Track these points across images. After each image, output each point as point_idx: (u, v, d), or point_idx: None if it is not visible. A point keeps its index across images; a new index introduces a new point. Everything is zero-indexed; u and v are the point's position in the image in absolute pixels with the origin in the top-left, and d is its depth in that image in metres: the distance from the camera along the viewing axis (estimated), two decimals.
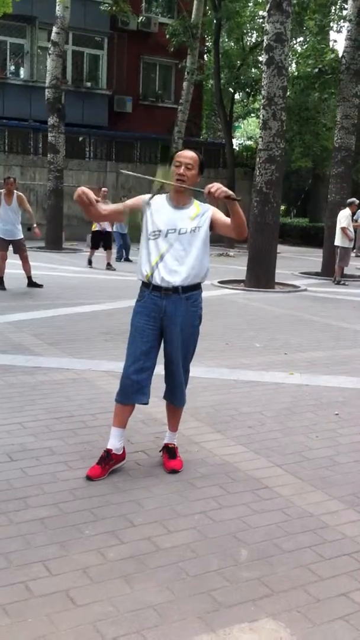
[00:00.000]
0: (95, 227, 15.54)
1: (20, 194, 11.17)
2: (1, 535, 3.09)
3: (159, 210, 3.80)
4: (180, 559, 2.97)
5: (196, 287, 3.86)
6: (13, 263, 11.32)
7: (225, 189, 3.55)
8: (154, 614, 2.55)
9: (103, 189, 16.18)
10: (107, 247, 15.64)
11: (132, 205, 3.88)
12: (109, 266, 15.35)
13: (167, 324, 3.81)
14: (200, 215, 3.79)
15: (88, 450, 4.17)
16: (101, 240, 15.60)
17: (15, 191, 11.00)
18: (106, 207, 3.95)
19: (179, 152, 3.84)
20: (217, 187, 3.53)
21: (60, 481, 3.72)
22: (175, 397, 4.00)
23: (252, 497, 3.64)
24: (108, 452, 3.86)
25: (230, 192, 3.54)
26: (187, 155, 3.77)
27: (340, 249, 14.51)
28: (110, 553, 2.99)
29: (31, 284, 11.39)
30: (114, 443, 3.87)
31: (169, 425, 4.13)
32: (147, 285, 3.83)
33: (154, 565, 2.90)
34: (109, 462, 3.83)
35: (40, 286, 11.38)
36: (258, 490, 3.72)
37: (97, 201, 3.69)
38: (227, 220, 3.76)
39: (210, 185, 3.54)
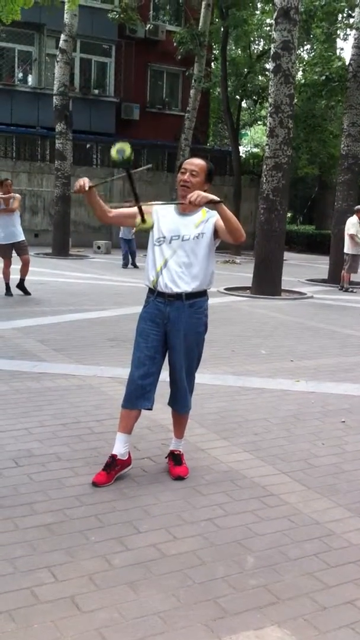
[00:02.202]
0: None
1: (16, 194, 11.06)
2: (7, 541, 3.09)
3: (165, 217, 3.81)
4: (186, 566, 2.96)
5: (201, 294, 3.86)
6: (17, 269, 11.31)
7: (204, 195, 3.47)
8: (160, 621, 2.55)
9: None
10: None
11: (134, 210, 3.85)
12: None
13: (170, 330, 3.81)
14: (205, 221, 3.79)
15: (94, 456, 4.17)
16: None
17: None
18: (114, 210, 3.95)
19: (187, 160, 3.84)
20: (196, 195, 3.47)
21: (66, 487, 3.72)
22: (178, 403, 4.00)
23: (258, 504, 3.63)
24: (113, 457, 3.86)
25: (211, 197, 3.48)
26: (194, 162, 3.78)
27: (350, 257, 14.48)
28: (116, 559, 2.99)
29: (21, 286, 11.16)
30: (118, 448, 3.88)
31: (175, 432, 4.13)
32: (153, 292, 3.84)
33: (159, 572, 2.90)
34: (114, 468, 3.83)
35: (28, 294, 11.17)
36: (264, 498, 3.72)
37: (90, 188, 3.65)
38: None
39: (189, 196, 3.50)
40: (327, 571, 2.98)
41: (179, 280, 3.75)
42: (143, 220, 3.60)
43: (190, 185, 3.70)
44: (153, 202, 3.91)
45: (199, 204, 3.50)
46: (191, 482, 3.89)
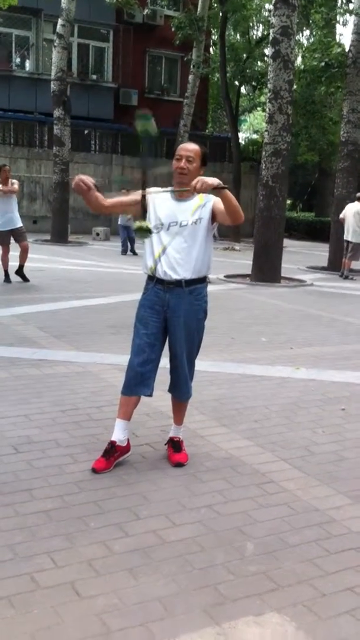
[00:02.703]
0: None
1: (14, 180, 10.96)
2: (7, 527, 3.09)
3: (161, 204, 3.78)
4: (186, 552, 2.96)
5: (200, 281, 3.84)
6: (16, 256, 11.27)
7: (210, 181, 3.41)
8: (159, 607, 2.55)
9: None
10: None
11: (136, 197, 3.78)
12: None
13: (170, 317, 3.80)
14: (202, 206, 3.75)
15: (93, 442, 4.17)
16: None
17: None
18: (110, 199, 3.90)
19: (181, 145, 3.80)
20: (201, 182, 3.41)
21: (66, 473, 3.72)
22: (179, 390, 3.99)
23: (258, 491, 3.64)
24: (112, 444, 3.85)
25: (216, 182, 3.43)
26: (189, 148, 3.74)
27: (353, 244, 14.43)
28: (116, 545, 2.99)
29: (20, 273, 11.10)
30: (117, 435, 3.87)
31: (174, 418, 4.13)
32: (152, 279, 3.82)
33: (159, 558, 2.90)
34: (113, 454, 3.83)
35: (27, 280, 11.12)
36: (264, 485, 3.72)
37: (97, 188, 3.61)
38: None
39: (194, 182, 3.42)
40: (326, 558, 2.99)
41: (177, 267, 3.73)
42: (144, 217, 3.56)
43: (187, 171, 3.67)
44: (158, 189, 3.85)
45: (204, 191, 3.46)
46: (191, 468, 3.89)
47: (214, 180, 3.43)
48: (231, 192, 3.56)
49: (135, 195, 3.77)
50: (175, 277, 3.73)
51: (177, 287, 3.75)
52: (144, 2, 26.52)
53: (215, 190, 3.47)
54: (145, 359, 3.80)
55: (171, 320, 3.80)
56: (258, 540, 3.10)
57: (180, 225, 3.72)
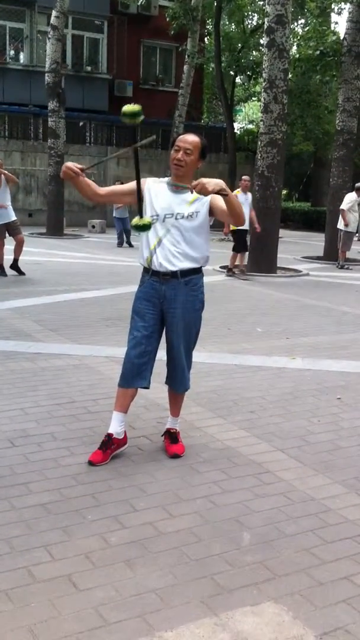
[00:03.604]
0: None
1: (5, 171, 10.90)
2: (3, 521, 3.09)
3: (157, 195, 3.75)
4: (183, 543, 2.97)
5: (196, 272, 3.82)
6: (11, 249, 11.25)
7: (210, 188, 3.30)
8: (157, 599, 2.56)
9: (244, 177, 12.60)
10: (245, 249, 12.54)
11: (131, 186, 3.72)
12: (242, 273, 12.53)
13: (167, 309, 3.79)
14: (199, 199, 3.71)
15: (90, 435, 4.17)
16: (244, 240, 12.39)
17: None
18: (105, 188, 3.87)
19: (180, 136, 3.74)
20: (200, 186, 3.29)
21: (62, 467, 3.72)
22: (176, 382, 3.98)
23: (255, 481, 3.64)
24: (109, 436, 3.85)
25: (217, 188, 3.32)
26: (187, 139, 3.68)
27: (343, 233, 14.45)
28: (113, 538, 2.99)
29: (15, 266, 11.03)
30: (115, 427, 3.87)
31: (171, 410, 4.13)
32: (147, 271, 3.81)
33: (156, 550, 2.90)
34: (110, 447, 3.83)
35: (22, 274, 11.06)
36: (260, 475, 3.72)
37: (83, 170, 3.50)
38: (225, 206, 3.59)
39: (195, 183, 3.32)
40: (323, 547, 2.99)
41: (173, 258, 3.71)
42: (141, 215, 3.48)
43: (184, 164, 3.64)
44: (155, 179, 3.81)
45: (206, 194, 3.36)
46: (187, 460, 3.89)
47: (214, 187, 3.31)
48: (227, 184, 3.52)
49: (131, 185, 3.72)
50: (171, 268, 3.72)
51: (172, 278, 3.74)
52: None
53: (218, 194, 3.39)
54: (142, 351, 3.79)
55: (168, 312, 3.79)
56: (255, 530, 3.11)
57: (175, 217, 3.69)
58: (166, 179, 3.83)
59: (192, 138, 3.70)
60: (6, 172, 10.77)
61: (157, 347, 3.88)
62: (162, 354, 3.93)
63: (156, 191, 3.77)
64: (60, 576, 2.68)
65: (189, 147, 3.65)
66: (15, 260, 11.10)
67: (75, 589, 2.60)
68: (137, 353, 3.79)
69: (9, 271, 11.03)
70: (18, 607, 2.47)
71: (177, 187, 3.70)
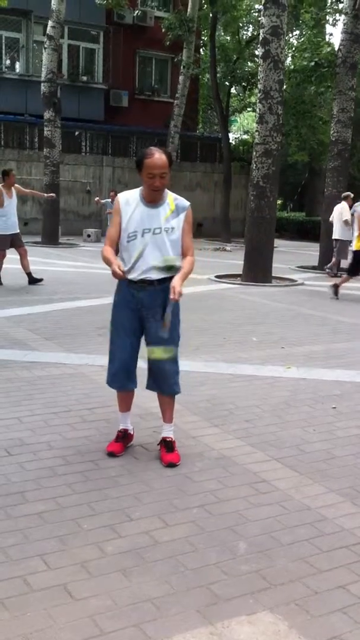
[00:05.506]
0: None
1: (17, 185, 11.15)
2: None
3: (134, 212, 3.84)
4: (179, 552, 2.97)
5: (172, 278, 3.88)
6: (10, 258, 11.25)
7: (179, 286, 3.72)
8: (153, 608, 2.56)
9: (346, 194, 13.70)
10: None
11: (117, 226, 3.89)
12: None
13: (145, 315, 3.94)
14: (174, 215, 3.84)
15: (86, 444, 4.17)
16: None
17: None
18: (111, 247, 3.96)
19: (148, 161, 3.66)
20: (178, 293, 3.70)
21: (58, 475, 3.72)
22: (163, 383, 4.05)
23: (250, 490, 3.64)
24: (125, 431, 4.14)
25: (179, 288, 3.71)
26: (158, 164, 3.66)
27: (340, 242, 14.46)
28: (109, 547, 2.99)
29: (32, 280, 11.18)
30: (127, 424, 4.18)
31: (163, 416, 4.15)
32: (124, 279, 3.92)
33: (152, 559, 2.90)
34: (125, 440, 4.13)
35: (40, 280, 11.25)
36: (256, 484, 3.73)
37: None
38: (188, 241, 3.88)
39: (177, 293, 3.69)
40: (319, 556, 3.00)
41: (150, 271, 3.86)
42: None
43: (161, 187, 3.75)
44: (126, 193, 3.95)
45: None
46: (183, 469, 3.90)
47: (180, 289, 3.72)
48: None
49: (115, 225, 3.90)
50: (148, 278, 3.87)
51: (149, 285, 3.88)
52: (134, 3, 26.49)
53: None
54: (130, 356, 4.04)
55: (147, 318, 3.95)
56: (250, 540, 3.11)
57: (153, 232, 3.81)
58: (138, 190, 3.89)
59: (161, 161, 3.69)
60: (21, 188, 11.05)
61: (138, 351, 4.06)
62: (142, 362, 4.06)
63: (130, 210, 3.84)
64: (56, 585, 2.67)
65: (164, 171, 3.71)
66: (29, 274, 11.18)
67: (71, 598, 2.59)
68: (127, 357, 4.03)
69: (4, 280, 11.03)
70: (14, 616, 2.47)
71: (151, 200, 3.83)
